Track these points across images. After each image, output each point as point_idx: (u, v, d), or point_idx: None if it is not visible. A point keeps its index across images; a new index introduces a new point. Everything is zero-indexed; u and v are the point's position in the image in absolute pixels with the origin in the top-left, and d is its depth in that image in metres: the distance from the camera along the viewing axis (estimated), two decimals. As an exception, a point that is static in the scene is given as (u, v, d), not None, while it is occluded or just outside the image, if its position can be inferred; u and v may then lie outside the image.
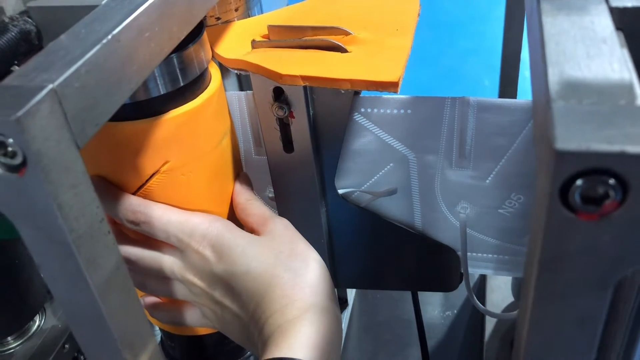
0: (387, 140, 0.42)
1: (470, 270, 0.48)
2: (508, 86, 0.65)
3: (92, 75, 0.22)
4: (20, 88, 0.20)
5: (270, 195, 0.48)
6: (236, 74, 0.41)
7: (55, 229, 0.21)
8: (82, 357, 0.63)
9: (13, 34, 0.27)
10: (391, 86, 0.34)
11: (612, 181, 0.15)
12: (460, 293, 0.69)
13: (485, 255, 0.47)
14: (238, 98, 0.43)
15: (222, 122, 0.38)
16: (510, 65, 0.64)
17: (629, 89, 0.17)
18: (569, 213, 0.16)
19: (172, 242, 0.36)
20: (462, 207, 0.45)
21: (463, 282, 0.50)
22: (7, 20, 0.27)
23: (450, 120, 0.41)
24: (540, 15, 0.21)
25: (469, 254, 0.47)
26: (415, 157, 0.43)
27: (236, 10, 0.44)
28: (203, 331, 0.44)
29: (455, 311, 0.68)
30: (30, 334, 0.58)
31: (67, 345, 0.58)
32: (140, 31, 0.25)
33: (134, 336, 0.26)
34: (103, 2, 0.26)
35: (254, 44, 0.39)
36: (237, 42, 0.40)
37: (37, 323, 0.59)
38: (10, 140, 0.19)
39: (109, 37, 0.23)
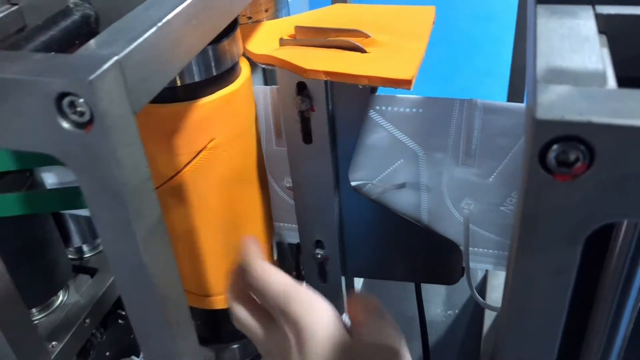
0: (398, 137, 0.46)
1: (471, 264, 0.51)
2: (514, 98, 0.69)
3: (148, 52, 0.26)
4: (91, 58, 0.24)
5: (288, 185, 0.51)
6: (263, 68, 0.44)
7: (111, 181, 0.25)
8: (99, 334, 0.67)
9: (76, 17, 0.31)
10: (405, 83, 0.37)
11: (582, 147, 0.18)
12: (462, 294, 0.72)
13: (486, 250, 0.50)
14: (263, 92, 0.47)
15: (252, 108, 0.42)
16: (517, 77, 0.67)
17: (601, 77, 0.20)
18: (546, 174, 0.19)
19: None
20: (466, 203, 0.48)
21: (464, 278, 0.53)
22: (71, 5, 0.31)
23: (458, 121, 0.44)
24: (536, 18, 0.24)
25: (471, 248, 0.50)
26: (425, 154, 0.46)
27: (266, 11, 0.48)
28: (221, 305, 0.47)
29: (457, 311, 0.70)
30: (53, 307, 0.62)
31: (87, 320, 0.61)
32: (188, 19, 0.29)
33: (167, 288, 0.29)
34: (157, -7, 0.30)
35: (282, 42, 0.43)
36: (266, 39, 0.44)
37: (60, 298, 0.62)
38: (81, 100, 0.23)
39: (163, 21, 0.27)
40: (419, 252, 0.52)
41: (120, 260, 0.27)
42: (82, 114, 0.23)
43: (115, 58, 0.24)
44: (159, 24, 0.26)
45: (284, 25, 0.46)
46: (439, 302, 0.71)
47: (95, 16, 0.31)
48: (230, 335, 0.53)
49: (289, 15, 0.51)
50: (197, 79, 0.38)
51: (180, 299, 0.31)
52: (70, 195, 0.53)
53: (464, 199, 0.48)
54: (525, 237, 0.21)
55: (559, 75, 0.20)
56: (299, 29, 0.44)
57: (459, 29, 1.92)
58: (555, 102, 0.18)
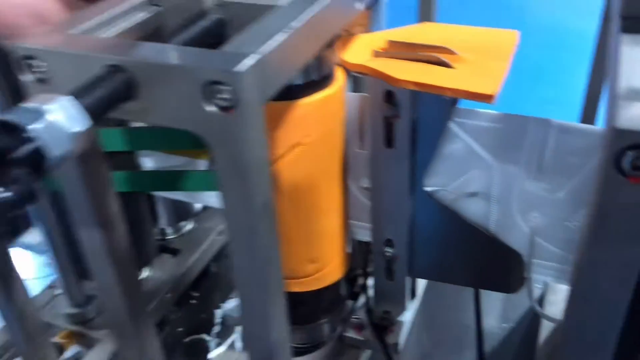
0: (475, 148, 0.49)
1: (533, 275, 0.54)
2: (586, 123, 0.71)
3: (279, 54, 0.31)
4: (236, 54, 0.29)
5: (364, 185, 0.55)
6: (354, 76, 0.49)
7: (241, 157, 0.30)
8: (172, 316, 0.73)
9: (211, 20, 0.36)
10: (488, 98, 0.41)
11: (653, 154, 0.22)
12: (517, 307, 0.74)
13: (548, 263, 0.53)
14: (352, 98, 0.51)
15: (343, 111, 0.47)
16: (590, 104, 0.69)
17: (676, 98, 0.23)
18: (620, 177, 0.22)
19: None
20: (534, 216, 0.51)
21: (522, 290, 0.55)
22: (207, 9, 0.36)
23: (533, 137, 0.47)
24: (620, 45, 0.28)
25: (533, 260, 0.53)
26: (498, 166, 0.50)
27: (361, 25, 0.52)
28: (297, 288, 0.52)
29: (513, 324, 0.73)
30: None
31: (168, 295, 0.67)
32: (308, 28, 0.34)
33: (271, 254, 0.34)
34: (278, 3, 0.35)
35: (375, 54, 0.47)
36: (359, 51, 0.48)
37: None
38: (226, 88, 0.28)
39: (292, 28, 0.32)
40: (482, 259, 0.55)
41: (238, 225, 0.32)
42: (225, 99, 0.28)
43: (256, 56, 0.29)
44: (289, 31, 0.31)
45: (376, 39, 0.50)
46: (495, 314, 0.74)
47: (225, 20, 0.37)
48: (305, 318, 0.57)
49: (380, 30, 0.56)
50: (300, 82, 0.43)
51: (278, 266, 0.35)
52: (168, 178, 0.59)
53: (531, 211, 0.51)
54: (599, 232, 0.24)
55: (637, 94, 0.24)
56: (390, 42, 0.48)
57: (528, 56, 1.92)
58: (633, 115, 0.22)
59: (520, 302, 0.76)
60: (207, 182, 0.59)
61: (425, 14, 0.63)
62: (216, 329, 0.67)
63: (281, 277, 0.36)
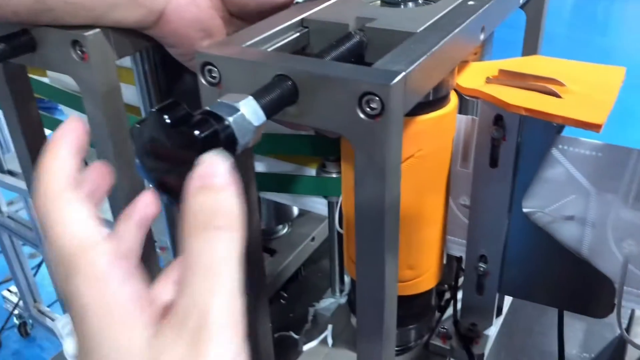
0: (575, 174, 0.53)
1: (623, 303, 0.56)
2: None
3: (420, 73, 0.36)
4: (386, 71, 0.34)
5: (463, 202, 0.59)
6: (467, 100, 0.53)
7: (380, 159, 0.35)
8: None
9: (355, 41, 0.41)
10: (596, 127, 0.44)
11: None
12: (601, 339, 0.75)
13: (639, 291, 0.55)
14: (459, 119, 0.56)
15: (453, 130, 0.51)
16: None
17: None
18: None
19: None
20: (628, 243, 0.53)
21: (608, 318, 0.57)
22: (351, 32, 0.42)
23: (634, 168, 0.50)
24: None
25: (625, 287, 0.55)
26: (596, 193, 0.52)
27: (475, 54, 0.57)
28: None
29: (593, 355, 0.74)
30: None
31: (314, 241, 0.81)
32: (444, 53, 0.39)
33: (392, 247, 0.39)
34: (418, 31, 0.40)
35: (488, 80, 0.52)
36: (473, 77, 0.53)
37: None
38: (377, 98, 0.33)
39: (431, 51, 0.37)
40: (572, 281, 0.58)
41: (367, 218, 0.37)
42: (373, 108, 0.34)
43: (403, 73, 0.34)
44: (428, 54, 0.36)
45: (489, 67, 0.54)
46: (576, 343, 0.75)
47: (366, 42, 0.42)
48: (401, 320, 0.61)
49: (491, 59, 0.60)
50: (421, 100, 0.48)
51: (396, 260, 0.40)
52: (279, 180, 0.65)
53: (626, 239, 0.53)
54: None
55: None
56: (502, 71, 0.52)
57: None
58: None
59: (602, 333, 0.77)
60: (316, 186, 0.64)
61: (529, 49, 0.66)
62: (307, 326, 0.72)
63: (397, 270, 0.40)
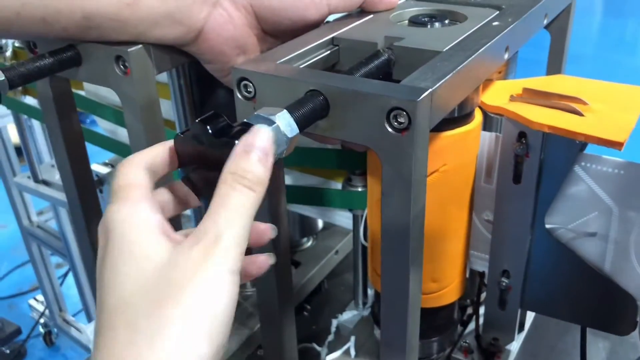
0: (597, 192, 0.53)
1: (646, 320, 0.56)
2: None
3: (446, 90, 0.37)
4: (413, 87, 0.36)
5: (487, 218, 0.60)
6: (491, 117, 0.55)
7: (407, 171, 0.36)
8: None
9: (383, 59, 0.43)
10: (618, 145, 0.45)
11: None
12: (625, 359, 0.75)
13: (662, 309, 0.55)
14: (483, 136, 0.57)
15: (477, 147, 0.53)
16: None
17: None
18: None
19: None
20: (651, 261, 0.54)
21: (631, 335, 0.57)
22: (380, 50, 0.44)
23: (657, 186, 0.51)
24: None
25: (647, 305, 0.55)
26: (619, 210, 0.53)
27: (499, 72, 0.58)
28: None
29: (616, 374, 0.73)
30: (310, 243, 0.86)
31: (337, 254, 0.84)
32: (470, 71, 0.40)
33: (416, 258, 0.40)
34: (444, 50, 0.42)
35: (512, 98, 0.53)
36: (497, 95, 0.54)
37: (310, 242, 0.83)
38: (404, 113, 0.35)
39: (455, 70, 0.38)
40: (594, 298, 0.58)
41: (393, 229, 0.38)
42: (401, 123, 0.35)
43: (430, 89, 0.35)
44: (454, 72, 0.38)
45: (512, 86, 0.56)
46: (599, 362, 0.75)
47: (394, 60, 0.44)
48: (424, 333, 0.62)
49: (515, 78, 0.62)
50: (446, 116, 0.49)
51: (420, 270, 0.41)
52: (305, 193, 0.67)
53: (649, 257, 0.53)
54: None
55: None
56: (526, 90, 0.54)
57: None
58: None
59: (626, 353, 0.77)
60: (341, 200, 0.66)
61: (553, 68, 0.67)
62: (330, 338, 0.73)
63: (421, 283, 0.42)
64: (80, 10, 0.41)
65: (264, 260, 0.39)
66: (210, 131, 0.31)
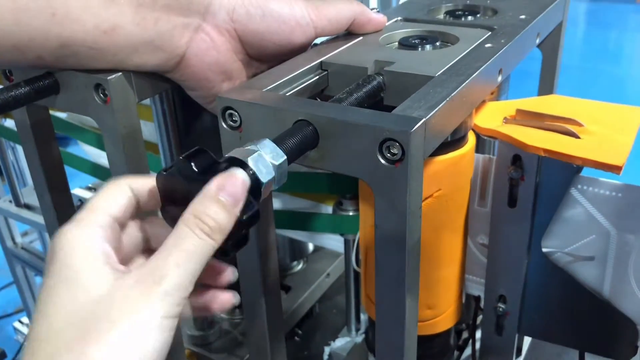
0: (595, 215, 0.52)
1: (646, 345, 0.55)
2: None
3: (438, 118, 0.36)
4: (405, 117, 0.34)
5: (481, 241, 0.59)
6: (483, 138, 0.53)
7: (400, 203, 0.34)
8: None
9: (374, 84, 0.42)
10: (616, 169, 0.44)
11: None
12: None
13: (663, 334, 0.54)
14: (476, 159, 0.56)
15: (471, 170, 0.51)
16: None
17: None
18: None
19: None
20: (651, 285, 0.52)
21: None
22: (371, 75, 0.42)
23: (655, 209, 0.49)
24: None
25: (648, 329, 0.54)
26: (617, 233, 0.52)
27: (491, 94, 0.57)
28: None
29: (616, 397, 0.72)
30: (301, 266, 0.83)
31: (329, 277, 0.83)
32: (464, 96, 0.39)
33: (412, 289, 0.38)
34: (436, 75, 0.41)
35: (506, 121, 0.52)
36: (490, 117, 0.53)
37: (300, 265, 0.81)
38: (397, 144, 0.33)
39: (450, 97, 0.37)
40: (592, 323, 0.57)
41: (388, 261, 0.37)
42: (394, 154, 0.34)
43: (423, 119, 0.34)
44: (448, 99, 0.37)
45: (505, 107, 0.54)
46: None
47: (385, 85, 0.43)
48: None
49: (507, 99, 0.60)
50: (447, 140, 0.48)
51: (416, 302, 0.39)
52: (295, 218, 0.65)
53: (649, 281, 0.52)
54: None
55: None
56: (520, 111, 0.53)
57: None
58: None
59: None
60: (332, 224, 0.64)
61: (545, 86, 0.66)
62: (323, 365, 0.71)
63: (417, 311, 0.40)
64: (55, 38, 0.39)
65: (228, 299, 0.37)
66: (195, 169, 0.29)
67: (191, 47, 0.44)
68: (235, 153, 0.31)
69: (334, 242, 0.73)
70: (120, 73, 0.44)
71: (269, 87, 0.40)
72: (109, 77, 0.43)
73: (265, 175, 0.31)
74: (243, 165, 0.30)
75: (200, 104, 0.49)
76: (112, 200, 0.33)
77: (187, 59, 0.44)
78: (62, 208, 0.56)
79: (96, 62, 0.42)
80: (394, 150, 0.34)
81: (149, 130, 0.65)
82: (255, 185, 0.30)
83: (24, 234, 1.62)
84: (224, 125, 0.39)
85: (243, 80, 0.48)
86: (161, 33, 0.42)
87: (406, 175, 0.34)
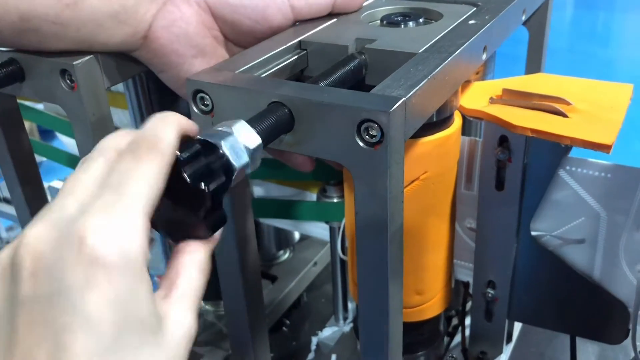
0: (584, 196, 0.51)
1: (638, 328, 0.53)
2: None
3: (420, 97, 0.34)
4: (385, 97, 0.32)
5: (469, 225, 0.57)
6: (469, 120, 0.52)
7: (381, 188, 0.33)
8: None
9: (355, 64, 0.40)
10: (605, 148, 0.43)
11: None
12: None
13: (655, 316, 0.52)
14: (461, 141, 0.54)
15: (458, 152, 0.50)
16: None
17: None
18: None
19: None
20: (642, 267, 0.51)
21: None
22: (352, 54, 0.41)
23: (646, 189, 0.48)
24: None
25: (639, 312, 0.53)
26: (607, 215, 0.50)
27: (476, 73, 0.55)
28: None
29: (607, 382, 0.71)
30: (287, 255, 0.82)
31: (316, 266, 0.82)
32: (446, 75, 0.37)
33: (395, 276, 0.37)
34: (419, 52, 0.39)
35: (492, 101, 0.50)
36: (475, 97, 0.51)
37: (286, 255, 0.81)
38: (376, 125, 0.31)
39: (431, 75, 0.35)
40: (584, 306, 0.56)
41: (370, 249, 0.35)
42: (372, 136, 0.32)
43: (403, 99, 0.32)
44: (429, 78, 0.35)
45: (491, 87, 0.53)
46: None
47: (367, 64, 0.41)
48: (404, 348, 0.59)
49: (493, 78, 0.59)
50: (432, 120, 0.46)
51: (400, 288, 0.38)
52: (279, 206, 0.64)
53: (639, 262, 0.51)
54: None
55: None
56: (506, 91, 0.51)
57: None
58: None
59: (615, 357, 0.74)
60: (316, 212, 0.63)
61: (532, 65, 0.65)
62: (310, 355, 0.69)
63: (402, 298, 0.39)
64: (15, 10, 0.37)
65: None
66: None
67: (157, 19, 0.42)
68: (207, 136, 0.29)
69: (320, 230, 0.71)
70: (86, 57, 0.41)
71: (242, 69, 0.38)
72: (74, 62, 0.41)
73: (238, 160, 0.29)
74: (215, 149, 0.28)
75: (173, 90, 0.47)
76: None
77: (153, 32, 0.42)
78: (35, 202, 0.53)
79: (59, 39, 0.40)
80: (373, 132, 0.32)
81: (126, 118, 0.63)
82: (228, 169, 0.29)
83: (10, 229, 1.59)
84: (195, 110, 0.37)
85: (218, 61, 0.46)
86: (126, 6, 0.40)
87: (386, 158, 0.32)
